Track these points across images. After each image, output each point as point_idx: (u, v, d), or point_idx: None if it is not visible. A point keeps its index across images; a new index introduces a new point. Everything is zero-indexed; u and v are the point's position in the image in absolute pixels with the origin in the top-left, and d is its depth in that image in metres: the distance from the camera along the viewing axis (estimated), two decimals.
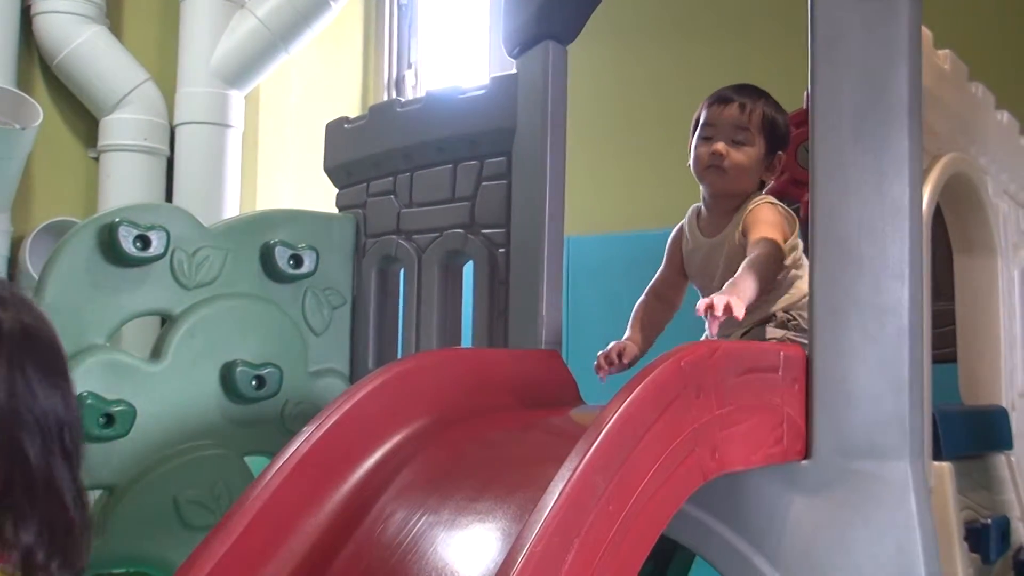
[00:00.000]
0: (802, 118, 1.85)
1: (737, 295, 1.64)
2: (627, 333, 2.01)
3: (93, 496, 2.16)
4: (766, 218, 1.87)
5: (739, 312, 1.61)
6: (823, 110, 1.62)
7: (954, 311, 2.07)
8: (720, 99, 1.95)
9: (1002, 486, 1.90)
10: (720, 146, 1.91)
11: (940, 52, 1.84)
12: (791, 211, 1.96)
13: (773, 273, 1.82)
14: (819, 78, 1.63)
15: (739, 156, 1.91)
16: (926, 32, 1.69)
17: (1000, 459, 1.92)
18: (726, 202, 1.95)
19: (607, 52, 3.29)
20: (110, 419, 2.02)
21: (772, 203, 1.92)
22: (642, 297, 2.07)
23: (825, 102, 1.62)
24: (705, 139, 1.93)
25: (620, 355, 1.93)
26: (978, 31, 3.03)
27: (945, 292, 2.08)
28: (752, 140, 1.92)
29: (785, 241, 1.87)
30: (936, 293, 1.77)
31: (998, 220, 2.07)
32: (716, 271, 1.93)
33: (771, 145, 1.94)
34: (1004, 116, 2.20)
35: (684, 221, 2.04)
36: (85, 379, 2.02)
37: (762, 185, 2.01)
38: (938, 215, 1.94)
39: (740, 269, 1.74)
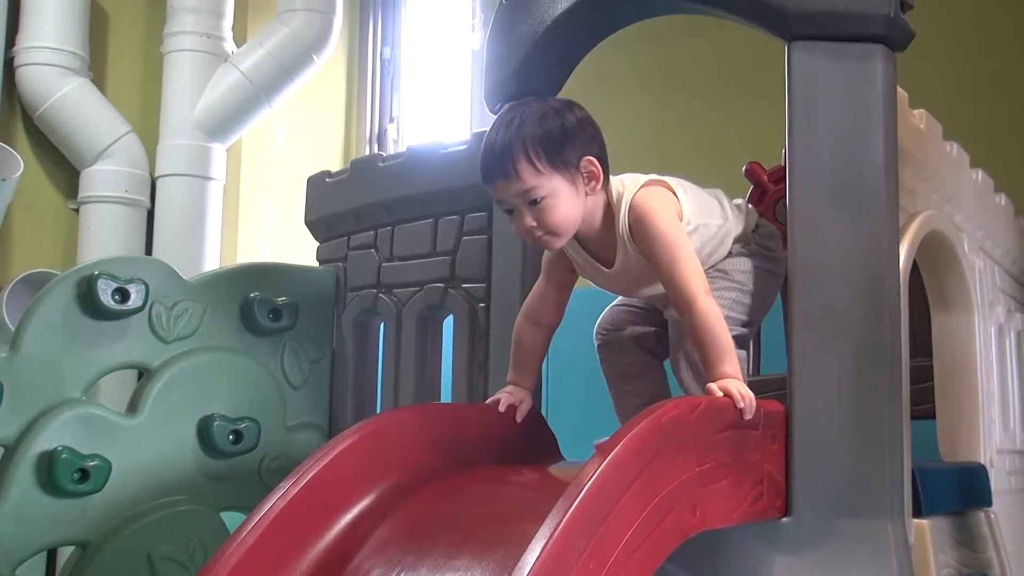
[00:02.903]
0: (780, 174, 1.87)
1: (740, 383, 1.53)
2: (511, 374, 1.81)
3: (66, 552, 2.13)
4: (659, 246, 1.63)
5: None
6: (800, 169, 1.64)
7: (932, 367, 2.07)
8: (485, 176, 1.65)
9: (982, 543, 1.89)
10: (526, 221, 1.62)
11: (915, 112, 1.87)
12: (660, 180, 1.72)
13: (724, 326, 1.60)
14: (796, 137, 1.65)
15: (548, 216, 1.61)
16: (901, 93, 1.71)
17: (980, 516, 1.91)
18: (585, 237, 1.72)
19: (587, 107, 3.31)
20: (84, 474, 2.00)
21: (640, 206, 1.65)
22: (518, 326, 1.83)
23: (802, 161, 1.64)
24: (508, 213, 1.66)
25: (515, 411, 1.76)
26: (953, 91, 3.07)
27: (923, 349, 2.09)
28: (543, 189, 1.60)
29: (681, 227, 1.67)
30: (914, 350, 1.77)
31: (975, 277, 2.09)
32: (637, 285, 1.75)
33: (565, 166, 1.62)
34: (979, 174, 2.23)
35: (565, 246, 1.74)
36: (60, 433, 2.00)
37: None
38: (915, 272, 1.96)
39: (707, 353, 1.57)
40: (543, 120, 1.63)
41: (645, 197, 1.66)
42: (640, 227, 1.65)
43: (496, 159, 1.62)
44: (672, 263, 1.62)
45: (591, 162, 1.64)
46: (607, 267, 1.72)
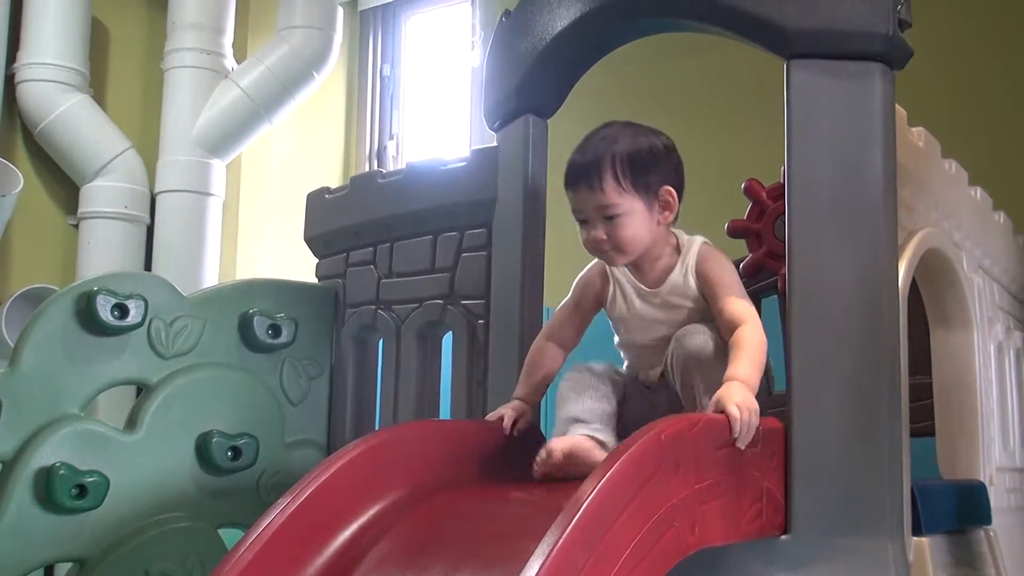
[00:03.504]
0: (779, 191, 1.87)
1: (745, 393, 1.53)
2: (519, 389, 1.84)
3: (63, 569, 2.12)
4: (731, 281, 1.70)
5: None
6: (800, 186, 1.64)
7: (932, 385, 2.07)
8: (569, 181, 1.72)
9: (982, 561, 1.89)
10: (596, 233, 1.68)
11: (914, 130, 1.87)
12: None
13: (763, 350, 1.64)
14: (795, 155, 1.65)
15: (620, 232, 1.68)
16: (900, 110, 1.72)
17: (979, 534, 1.91)
18: (644, 262, 1.75)
19: (587, 125, 3.32)
20: (82, 490, 2.00)
21: (716, 250, 1.75)
22: (537, 344, 1.87)
23: (801, 179, 1.64)
24: (581, 223, 1.72)
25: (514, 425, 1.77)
26: (951, 109, 3.08)
27: (922, 366, 2.09)
28: (621, 207, 1.67)
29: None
30: (913, 367, 1.77)
31: (974, 294, 2.09)
32: (661, 321, 1.75)
33: (646, 190, 1.69)
34: (978, 192, 2.23)
35: (611, 270, 1.81)
36: (58, 449, 2.00)
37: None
38: (914, 289, 1.96)
39: (736, 355, 1.60)
40: (635, 140, 1.71)
41: (711, 249, 1.75)
42: (708, 263, 1.72)
43: (583, 169, 1.69)
44: (733, 289, 1.69)
45: (669, 192, 1.71)
46: (651, 288, 1.75)
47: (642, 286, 1.76)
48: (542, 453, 1.62)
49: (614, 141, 1.70)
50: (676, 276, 1.73)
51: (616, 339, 1.85)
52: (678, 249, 1.76)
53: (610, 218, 1.68)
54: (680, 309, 1.73)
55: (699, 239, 1.76)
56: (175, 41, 4.07)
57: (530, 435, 1.79)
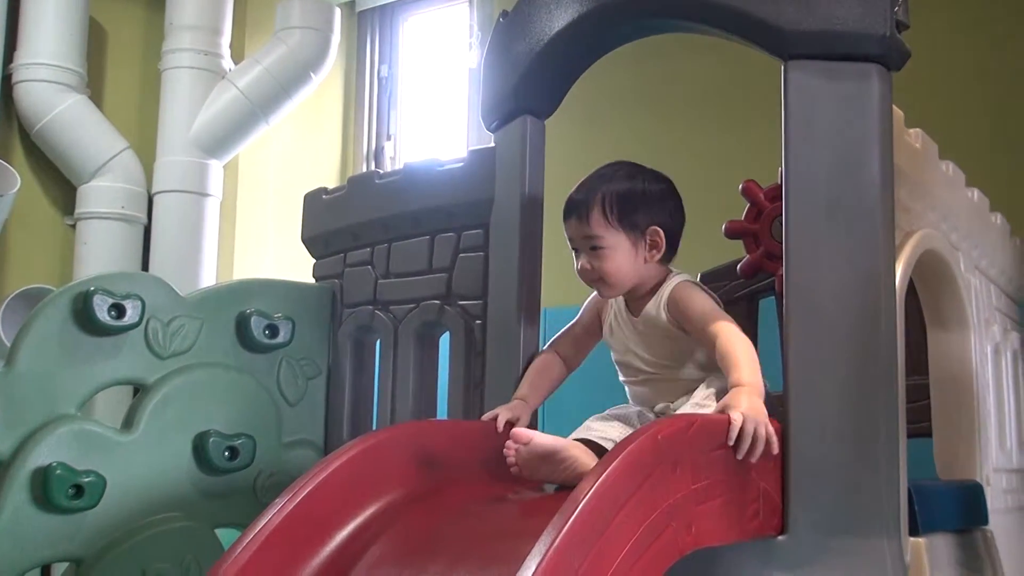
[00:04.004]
0: (777, 192, 1.87)
1: (752, 397, 1.55)
2: (521, 390, 1.89)
3: (60, 569, 2.12)
4: (703, 307, 1.75)
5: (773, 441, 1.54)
6: (797, 187, 1.64)
7: (928, 386, 2.08)
8: (565, 213, 1.82)
9: (979, 562, 1.89)
10: (583, 262, 1.78)
11: (911, 131, 1.88)
12: (710, 291, 1.84)
13: (749, 348, 1.67)
14: (793, 156, 1.65)
15: (602, 264, 1.77)
16: (897, 112, 1.72)
17: (976, 535, 1.91)
18: (633, 295, 1.83)
19: (585, 126, 3.33)
20: (79, 490, 1.99)
21: (692, 284, 1.80)
22: (543, 354, 1.95)
23: (799, 180, 1.64)
24: (574, 251, 1.82)
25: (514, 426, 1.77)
26: (949, 110, 3.08)
27: (919, 367, 2.09)
28: (605, 240, 1.76)
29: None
30: (910, 368, 1.77)
31: (970, 295, 2.09)
32: (639, 349, 1.82)
33: (632, 228, 1.77)
34: (975, 193, 2.23)
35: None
36: (55, 449, 2.00)
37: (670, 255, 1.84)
38: (911, 290, 1.96)
39: (730, 363, 1.63)
40: (629, 181, 1.80)
41: (686, 284, 1.80)
42: (684, 299, 1.76)
43: (576, 202, 1.80)
44: (708, 316, 1.72)
45: (656, 232, 1.78)
46: (635, 316, 1.83)
47: (627, 313, 1.85)
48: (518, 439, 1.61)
49: (609, 180, 1.80)
50: (650, 307, 1.80)
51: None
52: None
53: (595, 249, 1.77)
54: (652, 336, 1.80)
55: (679, 278, 1.81)
56: (172, 42, 4.06)
57: None
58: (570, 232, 1.82)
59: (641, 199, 1.78)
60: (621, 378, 1.89)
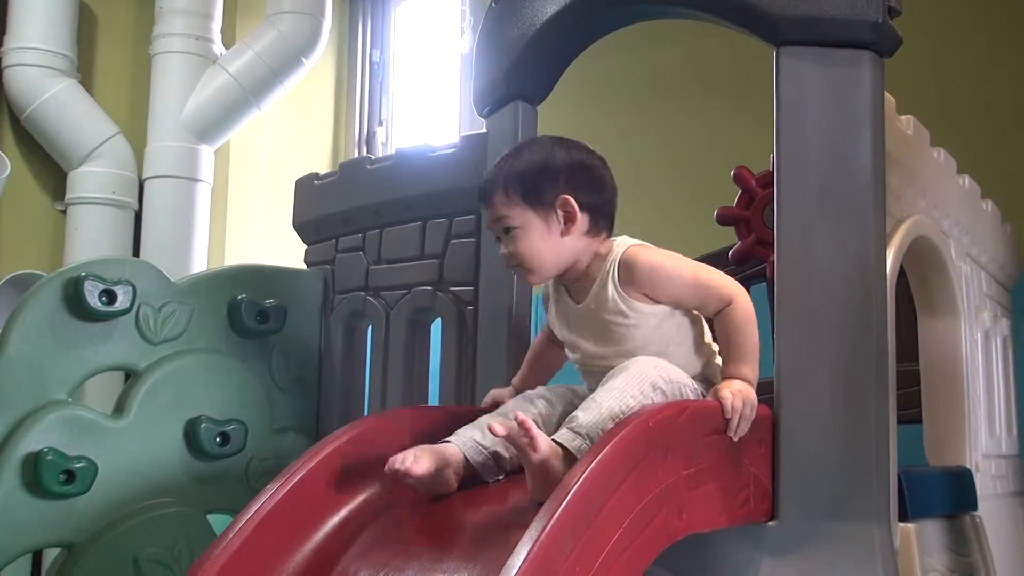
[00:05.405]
0: (768, 179, 1.87)
1: (747, 389, 1.52)
2: (518, 377, 1.84)
3: (51, 554, 2.12)
4: (666, 273, 1.61)
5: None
6: (788, 174, 1.64)
7: (919, 372, 2.08)
8: (478, 201, 1.73)
9: (967, 547, 1.90)
10: (501, 249, 1.67)
11: (903, 117, 1.88)
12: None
13: (755, 331, 1.60)
14: (784, 143, 1.65)
15: (516, 246, 1.63)
16: (889, 98, 1.72)
17: (966, 520, 1.92)
18: (572, 279, 1.69)
19: (576, 112, 3.32)
20: (70, 476, 1.99)
21: (647, 246, 1.65)
22: (537, 338, 1.86)
23: (790, 166, 1.64)
24: (496, 240, 1.70)
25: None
26: (940, 97, 3.08)
27: (910, 353, 2.09)
28: (512, 219, 1.63)
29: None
30: (901, 354, 1.78)
31: (961, 282, 2.10)
32: (589, 334, 1.68)
33: (538, 203, 1.63)
34: (966, 180, 2.24)
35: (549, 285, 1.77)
36: (46, 434, 2.00)
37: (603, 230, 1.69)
38: (902, 277, 1.96)
39: (728, 351, 1.59)
40: (531, 155, 1.67)
41: (638, 248, 1.65)
42: (632, 276, 1.61)
43: (482, 187, 1.69)
44: (695, 275, 1.62)
45: (567, 202, 1.63)
46: (578, 304, 1.68)
47: (570, 301, 1.71)
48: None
49: (513, 158, 1.68)
50: (595, 287, 1.65)
51: None
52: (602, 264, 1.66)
53: (508, 232, 1.64)
54: (597, 324, 1.65)
55: (623, 244, 1.66)
56: (163, 26, 4.04)
57: None
58: (485, 220, 1.73)
59: (543, 172, 1.64)
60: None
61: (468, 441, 1.57)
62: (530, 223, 1.63)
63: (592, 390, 1.58)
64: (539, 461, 1.39)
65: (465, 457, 1.55)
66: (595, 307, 1.65)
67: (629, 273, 1.61)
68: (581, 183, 1.66)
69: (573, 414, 1.48)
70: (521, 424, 1.40)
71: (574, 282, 1.69)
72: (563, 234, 1.64)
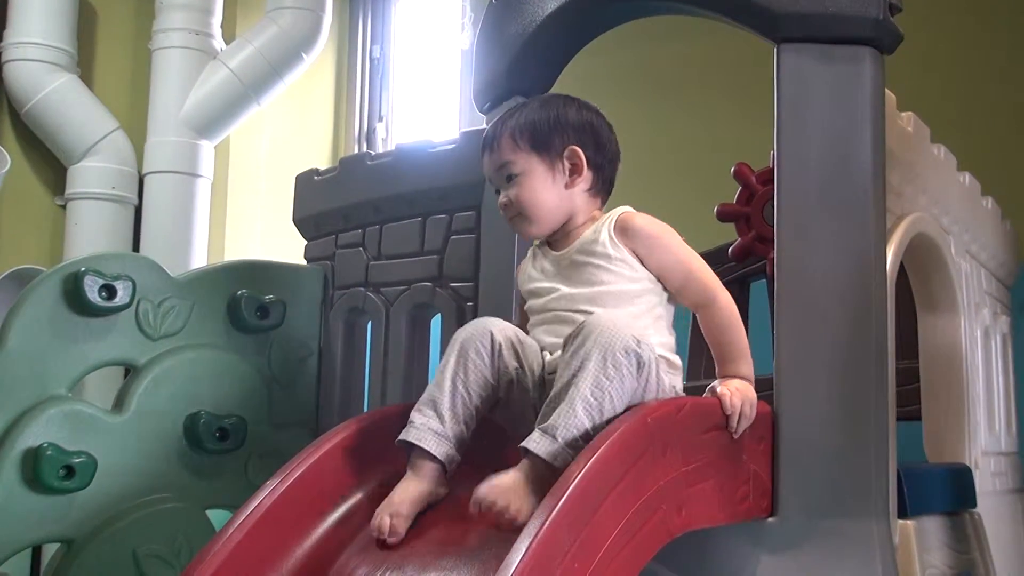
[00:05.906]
0: (769, 175, 1.87)
1: (747, 386, 1.53)
2: None
3: (50, 549, 2.12)
4: (682, 251, 1.59)
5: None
6: (789, 171, 1.64)
7: (918, 369, 2.08)
8: (481, 151, 1.69)
9: (966, 544, 1.90)
10: (501, 197, 1.63)
11: (903, 114, 1.88)
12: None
13: (741, 326, 1.59)
14: (785, 140, 1.65)
15: (519, 193, 1.60)
16: (889, 95, 1.72)
17: (965, 517, 1.92)
18: (561, 235, 1.65)
19: None
20: (70, 471, 1.99)
21: (632, 215, 1.61)
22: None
23: (790, 163, 1.64)
24: (496, 193, 1.67)
25: None
26: (940, 94, 3.08)
27: (909, 350, 2.10)
28: (517, 165, 1.61)
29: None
30: (900, 351, 1.78)
31: (961, 279, 2.10)
32: (564, 276, 1.62)
33: (545, 150, 1.61)
34: (966, 177, 2.24)
35: (534, 250, 1.72)
36: (46, 429, 2.00)
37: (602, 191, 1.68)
38: (902, 274, 1.96)
39: (721, 351, 1.57)
40: (542, 109, 1.65)
41: (633, 213, 1.63)
42: (631, 230, 1.58)
43: (487, 136, 1.67)
44: (688, 257, 1.60)
45: (575, 152, 1.62)
46: (559, 252, 1.64)
47: (551, 251, 1.66)
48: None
49: (522, 108, 1.66)
50: (588, 234, 1.61)
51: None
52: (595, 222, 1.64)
53: (510, 179, 1.62)
54: (584, 268, 1.59)
55: (621, 209, 1.63)
56: (163, 21, 4.04)
57: None
58: (486, 170, 1.68)
59: (555, 123, 1.63)
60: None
61: (431, 438, 1.49)
62: (535, 170, 1.61)
63: (549, 347, 1.55)
64: (529, 515, 1.26)
65: (442, 464, 1.49)
66: (578, 250, 1.61)
67: (626, 228, 1.59)
68: (589, 140, 1.65)
69: (550, 421, 1.37)
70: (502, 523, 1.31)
71: (563, 237, 1.65)
72: (567, 186, 1.63)
